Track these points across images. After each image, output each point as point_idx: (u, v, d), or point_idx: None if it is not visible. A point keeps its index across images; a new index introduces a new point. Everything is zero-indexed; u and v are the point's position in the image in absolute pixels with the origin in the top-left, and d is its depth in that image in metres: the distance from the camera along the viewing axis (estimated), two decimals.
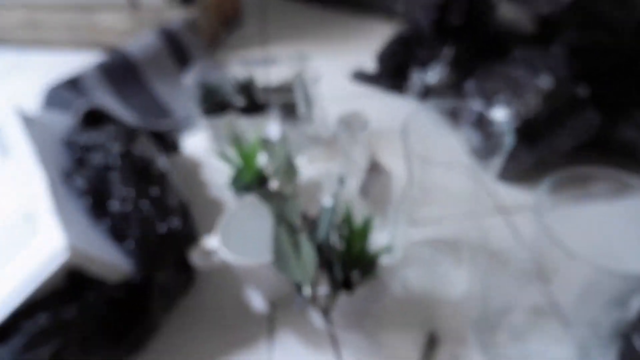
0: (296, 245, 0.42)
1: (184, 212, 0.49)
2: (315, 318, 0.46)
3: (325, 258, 0.41)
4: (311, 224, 0.45)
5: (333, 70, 0.87)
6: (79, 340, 0.40)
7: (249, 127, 0.70)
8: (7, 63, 1.09)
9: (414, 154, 0.40)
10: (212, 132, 0.73)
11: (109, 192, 0.48)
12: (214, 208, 0.63)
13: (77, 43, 1.09)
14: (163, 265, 0.44)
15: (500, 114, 0.59)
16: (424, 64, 0.70)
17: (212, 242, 0.46)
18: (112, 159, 0.49)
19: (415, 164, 0.42)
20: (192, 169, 0.70)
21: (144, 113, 0.79)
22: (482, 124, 0.60)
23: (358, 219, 0.45)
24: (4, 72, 1.06)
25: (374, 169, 0.49)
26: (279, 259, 0.38)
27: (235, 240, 0.46)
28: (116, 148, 0.51)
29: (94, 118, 0.68)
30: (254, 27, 1.11)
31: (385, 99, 0.79)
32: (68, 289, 0.38)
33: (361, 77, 0.85)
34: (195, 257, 0.46)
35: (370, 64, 0.85)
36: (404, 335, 0.46)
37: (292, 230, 0.41)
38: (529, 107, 0.55)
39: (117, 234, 0.45)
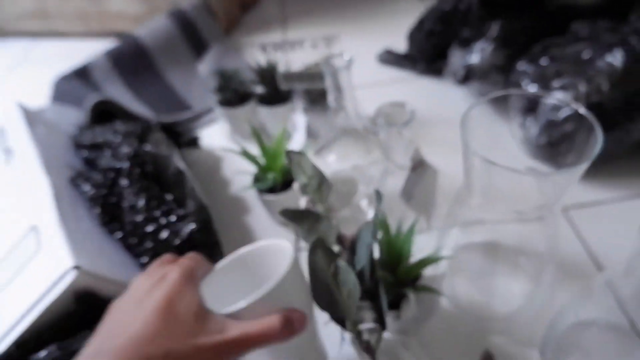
0: (335, 275, 0.35)
1: (203, 216, 0.43)
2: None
3: (367, 285, 0.35)
4: (350, 245, 0.38)
5: (360, 52, 0.80)
6: None
7: (271, 118, 0.64)
8: (17, 55, 1.05)
9: (473, 152, 0.33)
10: (231, 125, 0.68)
11: (120, 198, 0.42)
12: (237, 209, 0.57)
13: (88, 32, 1.04)
14: None
15: (562, 101, 0.51)
16: (466, 42, 0.62)
17: None
18: (121, 162, 0.44)
19: (474, 164, 0.35)
20: (211, 166, 0.64)
21: (158, 105, 0.73)
22: (540, 111, 0.52)
23: (397, 226, 0.38)
24: (14, 64, 1.02)
25: (419, 167, 0.43)
26: (318, 293, 0.32)
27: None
28: (125, 149, 0.45)
29: (105, 112, 0.63)
30: (272, 9, 1.04)
31: (420, 83, 0.71)
32: (77, 311, 0.34)
33: (390, 58, 0.77)
34: None
35: (400, 45, 0.78)
36: (456, 357, 0.40)
37: (331, 256, 0.34)
38: (598, 91, 0.47)
39: (130, 247, 0.40)
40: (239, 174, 0.53)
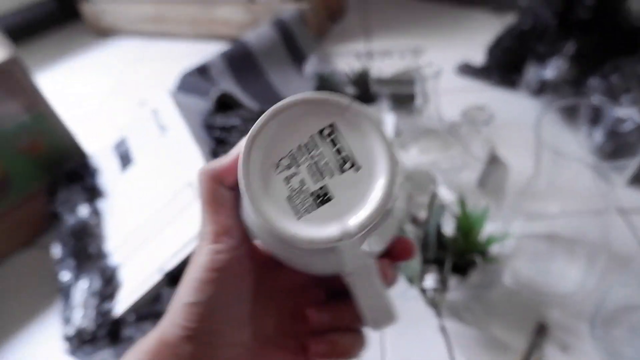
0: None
1: None
2: (426, 311, 0.49)
3: (435, 252, 0.44)
4: (421, 224, 0.48)
5: (440, 63, 0.88)
6: None
7: None
8: (137, 52, 1.24)
9: (546, 146, 0.41)
10: None
11: None
12: None
13: (196, 35, 1.21)
14: None
15: (628, 113, 0.57)
16: (542, 58, 0.69)
17: None
18: None
19: (545, 156, 0.43)
20: None
21: (261, 101, 0.87)
22: (607, 123, 0.58)
23: (474, 208, 0.47)
24: (134, 60, 1.21)
25: (493, 162, 0.51)
26: None
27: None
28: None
29: (222, 102, 0.76)
30: (357, 21, 1.15)
31: (496, 94, 0.79)
32: None
33: (468, 70, 0.85)
34: None
35: (477, 57, 0.85)
36: (512, 325, 0.48)
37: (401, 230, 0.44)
38: None
39: None
40: None
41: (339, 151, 0.19)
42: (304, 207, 0.19)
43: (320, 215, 0.19)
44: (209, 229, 0.21)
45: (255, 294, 0.23)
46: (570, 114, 0.59)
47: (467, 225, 0.46)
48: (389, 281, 0.22)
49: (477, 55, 0.85)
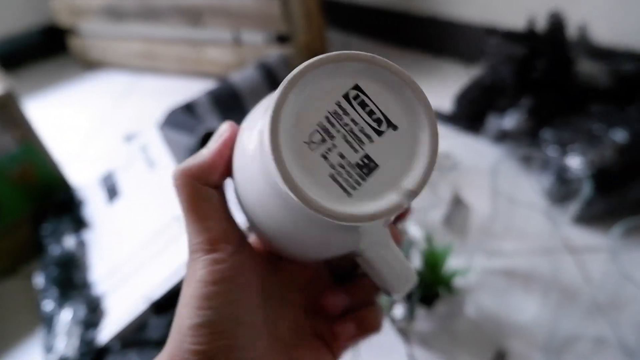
0: None
1: None
2: (396, 339, 0.53)
3: None
4: None
5: None
6: None
7: None
8: (124, 86, 1.28)
9: (500, 192, 0.47)
10: None
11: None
12: None
13: (184, 72, 1.26)
14: None
15: (574, 162, 0.64)
16: (502, 110, 0.76)
17: None
18: None
19: (500, 201, 0.49)
20: None
21: None
22: (556, 170, 0.65)
23: (440, 244, 0.52)
24: (124, 93, 1.24)
25: (457, 203, 0.57)
26: None
27: None
28: None
29: (207, 140, 0.81)
30: None
31: (462, 140, 0.86)
32: None
33: (437, 117, 0.93)
34: None
35: (446, 105, 0.93)
36: (475, 352, 0.52)
37: None
38: (603, 158, 0.60)
39: None
40: None
41: (371, 112, 0.17)
42: (352, 181, 0.17)
43: (372, 185, 0.17)
44: (200, 238, 0.19)
45: (263, 298, 0.20)
46: (525, 161, 0.66)
47: (433, 259, 0.51)
48: (399, 242, 0.21)
49: (446, 103, 0.93)
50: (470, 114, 0.84)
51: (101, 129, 1.08)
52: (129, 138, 0.95)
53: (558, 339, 0.51)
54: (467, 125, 0.86)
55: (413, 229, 0.61)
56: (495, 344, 0.53)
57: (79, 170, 0.81)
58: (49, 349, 0.52)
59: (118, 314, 0.50)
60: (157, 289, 0.49)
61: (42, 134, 0.71)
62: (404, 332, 0.47)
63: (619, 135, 0.61)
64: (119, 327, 0.48)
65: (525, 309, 0.56)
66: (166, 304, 0.47)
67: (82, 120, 1.13)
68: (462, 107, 0.86)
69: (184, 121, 0.88)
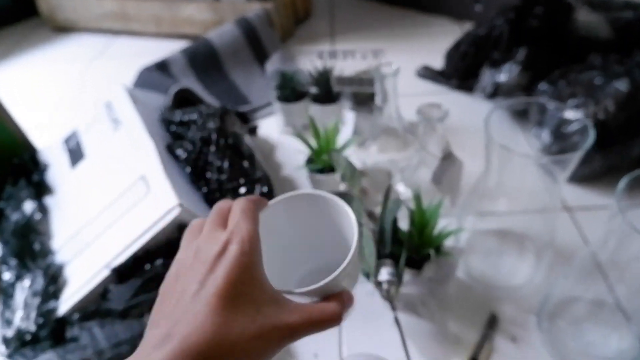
0: (360, 239, 0.46)
1: (269, 182, 0.54)
2: (382, 305, 0.50)
3: (390, 246, 0.45)
4: (376, 219, 0.49)
5: (400, 65, 0.90)
6: None
7: (321, 115, 0.75)
8: (97, 49, 1.20)
9: (495, 142, 0.43)
10: (285, 118, 0.79)
11: (205, 162, 0.53)
12: (289, 184, 0.68)
13: (159, 33, 1.18)
14: None
15: (574, 116, 0.60)
16: (496, 64, 0.71)
17: None
18: (208, 133, 0.55)
19: (494, 153, 0.44)
20: (266, 151, 0.75)
21: (223, 99, 0.85)
22: (554, 124, 0.61)
23: (429, 204, 0.48)
24: (94, 55, 1.17)
25: (448, 158, 0.52)
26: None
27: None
28: (211, 124, 0.57)
29: (182, 99, 0.75)
30: (323, 23, 1.16)
31: (453, 97, 0.81)
32: (178, 239, 0.44)
33: (428, 73, 0.88)
34: None
35: (436, 62, 0.88)
36: (465, 318, 0.49)
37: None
38: (605, 111, 0.56)
39: (212, 200, 0.51)
40: (299, 153, 0.63)
41: None
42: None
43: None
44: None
45: None
46: (520, 115, 0.61)
47: (422, 220, 0.47)
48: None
49: (437, 60, 0.87)
50: (463, 70, 0.79)
51: (72, 93, 1.02)
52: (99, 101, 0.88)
53: (553, 302, 0.48)
54: (459, 82, 0.81)
55: (401, 188, 0.56)
56: (487, 309, 0.50)
57: (47, 136, 0.76)
58: (7, 322, 0.48)
59: (78, 283, 0.45)
60: (119, 256, 0.44)
61: (6, 97, 0.66)
62: (390, 297, 0.44)
63: (621, 86, 0.57)
64: (79, 297, 0.44)
65: (519, 271, 0.53)
66: (128, 272, 0.43)
67: (52, 85, 1.06)
68: (454, 62, 0.81)
69: (157, 80, 0.82)
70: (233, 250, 0.23)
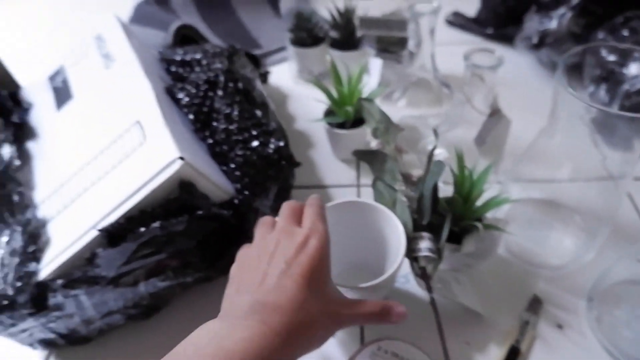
0: (394, 204, 0.39)
1: (284, 135, 0.46)
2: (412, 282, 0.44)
3: (429, 216, 0.38)
4: (414, 183, 0.42)
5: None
6: (181, 254, 0.39)
7: (340, 62, 0.66)
8: None
9: (568, 95, 0.35)
10: (300, 65, 0.70)
11: (211, 108, 0.46)
12: (301, 143, 0.61)
13: None
14: (264, 190, 0.43)
15: (637, 71, 0.52)
16: (545, 8, 0.62)
17: None
18: (215, 75, 0.47)
19: (563, 110, 0.37)
20: (278, 101, 0.67)
21: (230, 41, 0.76)
22: (613, 81, 0.53)
23: (472, 167, 0.41)
24: None
25: (496, 114, 0.45)
26: None
27: None
28: (218, 65, 0.48)
29: (183, 39, 0.66)
30: None
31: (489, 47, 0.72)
32: (178, 198, 0.37)
33: (459, 21, 0.78)
34: None
35: (470, 8, 0.78)
36: (504, 299, 0.43)
37: (392, 189, 0.40)
38: None
39: (219, 154, 0.44)
40: (316, 103, 0.55)
41: None
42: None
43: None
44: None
45: None
46: (573, 71, 0.53)
47: (467, 186, 0.40)
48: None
49: (470, 5, 0.77)
50: (501, 16, 0.69)
51: (63, 28, 0.92)
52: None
53: (607, 285, 0.42)
54: (497, 31, 0.71)
55: (439, 151, 0.49)
56: (529, 290, 0.44)
57: (34, 73, 0.67)
58: None
59: (62, 245, 0.39)
60: (110, 215, 0.38)
61: None
62: (427, 276, 0.37)
63: None
64: (63, 260, 0.38)
65: (565, 248, 0.47)
66: (120, 234, 0.36)
67: (40, 19, 0.96)
68: (491, 7, 0.71)
69: (155, 15, 0.72)
70: (313, 243, 0.29)
